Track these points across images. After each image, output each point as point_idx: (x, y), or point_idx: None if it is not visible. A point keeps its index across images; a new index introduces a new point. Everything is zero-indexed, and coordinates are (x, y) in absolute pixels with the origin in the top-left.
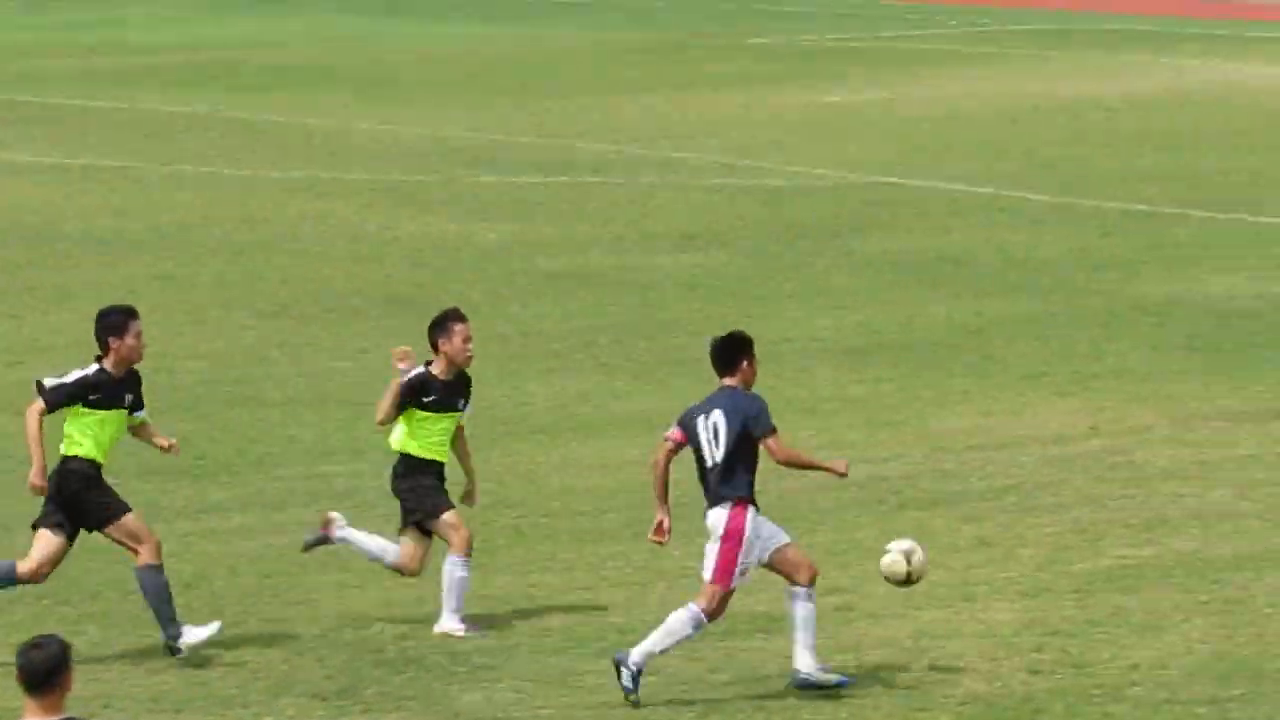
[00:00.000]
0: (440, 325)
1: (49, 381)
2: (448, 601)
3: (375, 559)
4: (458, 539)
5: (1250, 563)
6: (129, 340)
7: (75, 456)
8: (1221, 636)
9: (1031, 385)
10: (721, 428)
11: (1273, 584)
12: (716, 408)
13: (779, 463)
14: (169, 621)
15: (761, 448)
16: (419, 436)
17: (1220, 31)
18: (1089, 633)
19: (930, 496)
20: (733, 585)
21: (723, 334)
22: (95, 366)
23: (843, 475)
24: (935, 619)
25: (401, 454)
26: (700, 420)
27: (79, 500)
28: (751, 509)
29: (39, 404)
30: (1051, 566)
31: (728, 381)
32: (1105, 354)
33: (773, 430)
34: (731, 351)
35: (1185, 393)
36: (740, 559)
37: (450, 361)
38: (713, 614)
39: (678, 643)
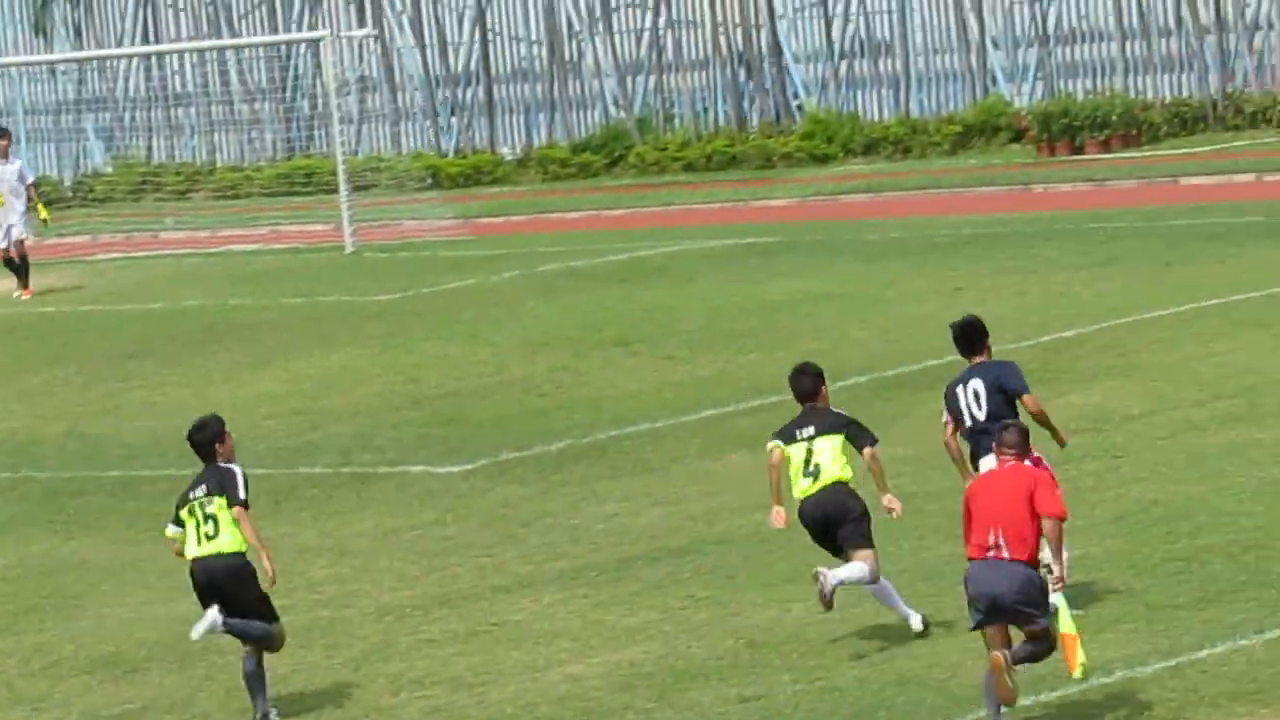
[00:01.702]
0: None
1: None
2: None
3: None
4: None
5: None
6: (229, 442)
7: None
8: None
9: None
10: (982, 393)
11: None
12: (976, 376)
13: (1032, 414)
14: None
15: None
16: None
17: None
18: None
19: None
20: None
21: (965, 318)
22: (237, 468)
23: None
24: None
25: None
26: (960, 389)
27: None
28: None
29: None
30: None
31: (979, 359)
32: None
33: (1027, 390)
34: (979, 335)
35: None
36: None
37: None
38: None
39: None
